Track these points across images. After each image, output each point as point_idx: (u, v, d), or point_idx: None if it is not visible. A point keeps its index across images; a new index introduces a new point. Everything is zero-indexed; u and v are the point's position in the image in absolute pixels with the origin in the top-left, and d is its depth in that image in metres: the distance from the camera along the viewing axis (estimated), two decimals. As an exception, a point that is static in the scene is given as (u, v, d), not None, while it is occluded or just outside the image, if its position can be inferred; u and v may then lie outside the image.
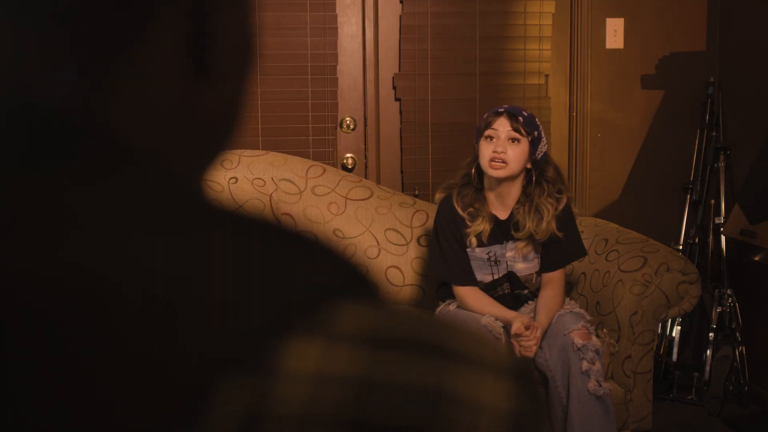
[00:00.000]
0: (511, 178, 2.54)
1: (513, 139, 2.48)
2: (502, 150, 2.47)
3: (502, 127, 2.49)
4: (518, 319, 2.46)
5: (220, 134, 0.41)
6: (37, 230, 0.29)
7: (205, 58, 0.38)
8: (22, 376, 0.26)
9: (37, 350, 0.27)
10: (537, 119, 2.57)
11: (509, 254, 2.61)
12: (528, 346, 2.41)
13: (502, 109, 2.53)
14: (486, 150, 2.50)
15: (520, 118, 2.50)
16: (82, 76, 0.34)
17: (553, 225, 2.53)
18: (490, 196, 2.60)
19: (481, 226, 2.56)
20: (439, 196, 2.69)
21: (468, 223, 2.57)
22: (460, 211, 2.58)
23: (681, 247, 3.43)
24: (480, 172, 2.58)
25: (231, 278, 0.29)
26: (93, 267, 0.28)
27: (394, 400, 0.28)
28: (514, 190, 2.57)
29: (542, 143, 2.55)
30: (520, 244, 2.58)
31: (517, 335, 2.43)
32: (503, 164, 2.48)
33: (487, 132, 2.51)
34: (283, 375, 0.28)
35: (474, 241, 2.58)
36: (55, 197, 0.30)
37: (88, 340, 0.27)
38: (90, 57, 0.34)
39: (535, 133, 2.51)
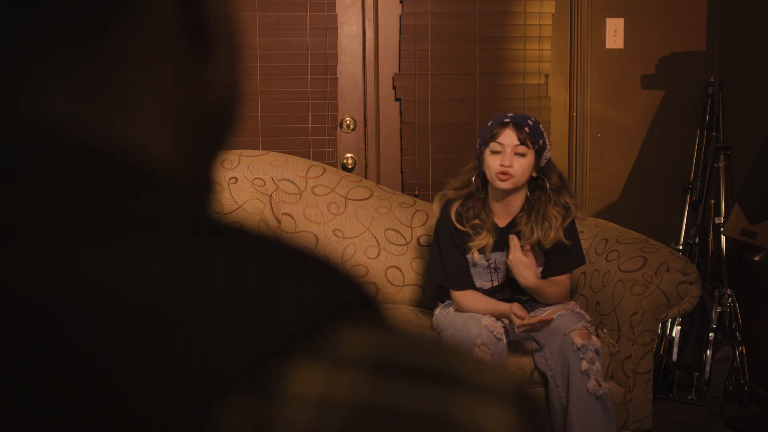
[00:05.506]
0: (516, 189, 2.56)
1: (519, 153, 2.50)
2: (509, 164, 2.49)
3: (509, 140, 2.50)
4: (511, 307, 2.50)
5: (225, 120, 0.39)
6: (36, 240, 0.28)
7: (203, 24, 0.36)
8: (24, 381, 0.26)
9: (38, 356, 0.26)
10: (540, 125, 2.57)
11: None
12: (522, 324, 2.45)
13: (507, 119, 2.53)
14: (493, 163, 2.52)
15: (526, 129, 2.50)
16: (66, 80, 0.31)
17: (561, 234, 2.55)
18: (495, 205, 2.61)
19: (485, 240, 2.58)
20: (437, 204, 2.67)
21: (471, 235, 2.59)
22: (462, 224, 2.59)
23: (681, 247, 3.43)
24: (484, 181, 2.60)
25: (233, 298, 0.28)
26: (92, 278, 0.28)
27: (397, 426, 0.27)
28: (519, 199, 2.60)
29: (546, 150, 2.56)
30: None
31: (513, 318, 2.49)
32: (510, 177, 2.50)
33: (493, 145, 2.52)
34: (287, 399, 0.27)
35: (477, 254, 2.60)
36: (49, 207, 0.29)
37: (89, 352, 0.27)
38: (75, 54, 0.32)
39: (540, 141, 2.53)
